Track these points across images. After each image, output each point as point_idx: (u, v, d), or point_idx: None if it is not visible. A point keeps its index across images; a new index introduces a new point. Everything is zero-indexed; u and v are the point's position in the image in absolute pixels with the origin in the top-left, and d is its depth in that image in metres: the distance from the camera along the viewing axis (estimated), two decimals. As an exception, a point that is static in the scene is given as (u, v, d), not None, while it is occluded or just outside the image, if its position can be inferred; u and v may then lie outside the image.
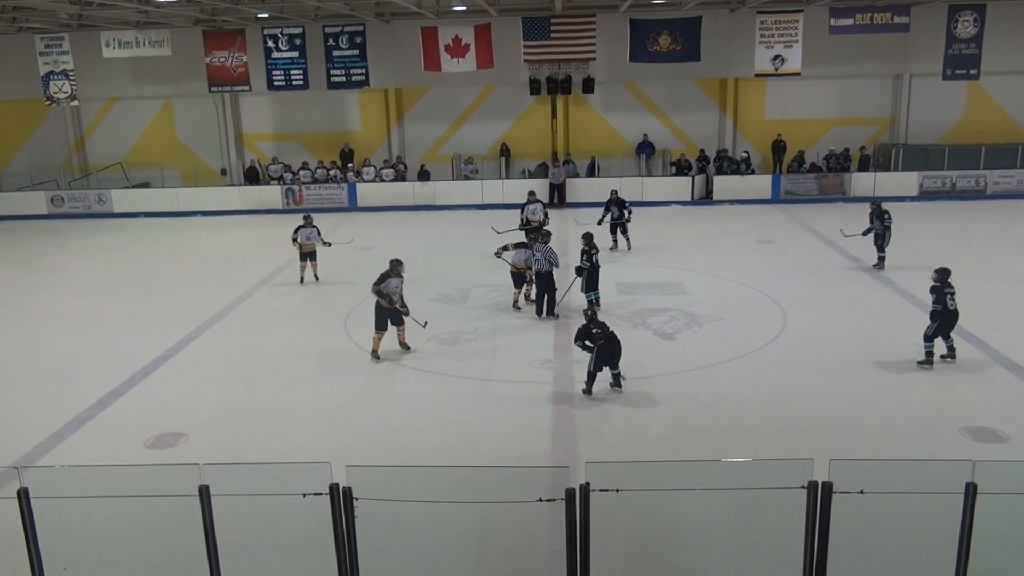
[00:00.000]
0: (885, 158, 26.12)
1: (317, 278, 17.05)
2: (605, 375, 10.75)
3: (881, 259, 16.55)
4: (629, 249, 18.77)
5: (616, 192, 19.17)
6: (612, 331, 10.63)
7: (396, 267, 12.42)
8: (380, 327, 12.25)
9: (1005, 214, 22.19)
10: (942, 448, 9.02)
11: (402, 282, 12.43)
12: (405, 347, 12.59)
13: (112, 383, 11.62)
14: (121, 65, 26.58)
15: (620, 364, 10.75)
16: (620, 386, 10.78)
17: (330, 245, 17.04)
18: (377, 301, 12.20)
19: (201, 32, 24.69)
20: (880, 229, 16.46)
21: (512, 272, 14.71)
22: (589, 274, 14.25)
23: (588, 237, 14.39)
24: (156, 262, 19.79)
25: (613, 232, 19.04)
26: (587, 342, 10.51)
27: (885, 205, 16.76)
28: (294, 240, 16.70)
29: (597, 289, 14.39)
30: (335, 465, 5.98)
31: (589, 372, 10.61)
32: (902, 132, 26.55)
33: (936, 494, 5.94)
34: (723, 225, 21.94)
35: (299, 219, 17.04)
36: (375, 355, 12.25)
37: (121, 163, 27.97)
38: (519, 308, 14.68)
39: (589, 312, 10.90)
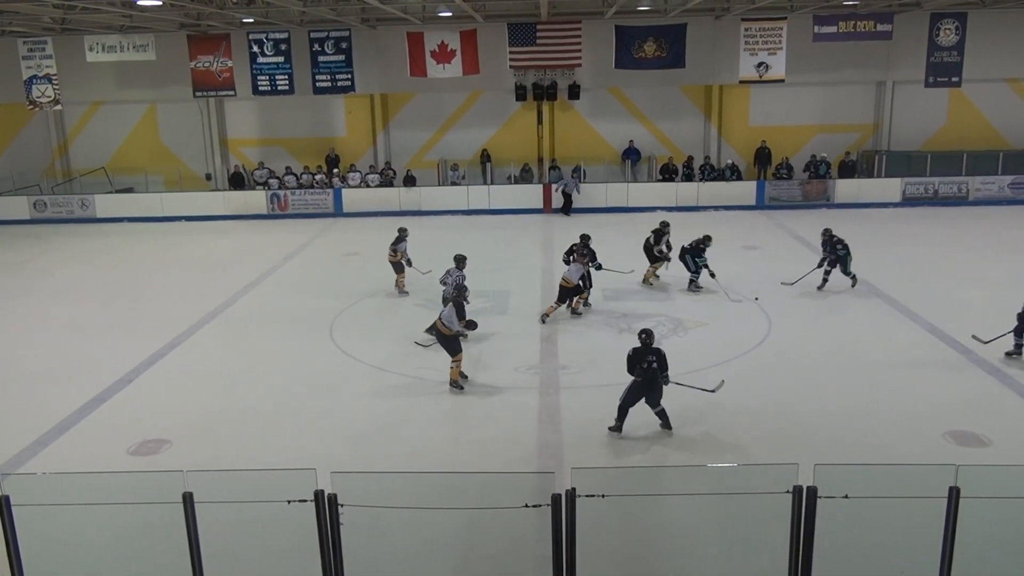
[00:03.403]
0: (868, 164, 26.32)
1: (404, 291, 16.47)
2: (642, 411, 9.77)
3: (853, 279, 15.70)
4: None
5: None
6: (659, 371, 9.57)
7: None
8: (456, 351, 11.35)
9: (986, 220, 22.39)
10: (926, 452, 9.09)
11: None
12: (457, 385, 11.31)
13: (95, 389, 11.53)
14: (105, 69, 26.43)
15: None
16: (669, 426, 9.82)
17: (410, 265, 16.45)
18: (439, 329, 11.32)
19: (186, 36, 24.59)
20: (833, 259, 15.60)
21: (561, 286, 14.21)
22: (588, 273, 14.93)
23: (585, 239, 15.48)
24: (140, 267, 19.67)
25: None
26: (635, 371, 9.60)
27: (838, 234, 15.80)
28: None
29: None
30: (320, 472, 5.96)
31: (620, 406, 9.71)
32: (885, 139, 26.76)
33: (920, 498, 5.98)
34: (708, 231, 21.95)
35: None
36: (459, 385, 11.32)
37: (105, 168, 27.77)
38: (544, 322, 14.13)
39: (644, 336, 9.73)
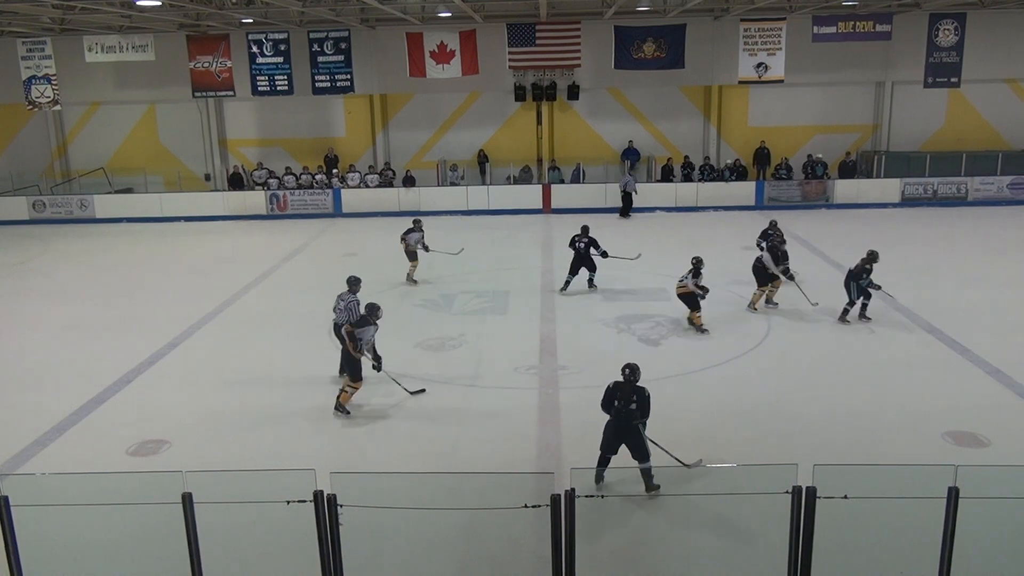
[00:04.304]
0: (867, 165, 26.33)
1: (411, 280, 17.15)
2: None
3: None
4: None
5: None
6: (633, 414, 8.12)
7: (374, 312, 10.67)
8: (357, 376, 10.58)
9: (986, 220, 22.40)
10: (925, 453, 9.08)
11: (377, 331, 10.72)
12: (343, 410, 10.52)
13: (94, 390, 11.53)
14: (104, 70, 26.43)
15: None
16: (653, 487, 8.22)
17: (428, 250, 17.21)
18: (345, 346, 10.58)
19: (185, 37, 24.58)
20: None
21: (681, 295, 13.66)
22: (582, 259, 15.84)
23: (585, 229, 15.98)
24: (139, 268, 19.66)
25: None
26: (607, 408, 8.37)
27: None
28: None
29: (575, 273, 15.92)
30: (319, 472, 5.96)
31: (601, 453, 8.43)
32: (884, 139, 26.77)
33: (919, 499, 5.98)
34: (707, 231, 22.03)
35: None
36: (345, 410, 10.57)
37: (104, 168, 27.77)
38: (706, 331, 13.50)
39: (627, 372, 8.32)
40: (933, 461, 8.32)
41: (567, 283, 15.96)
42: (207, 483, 6.12)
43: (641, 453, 8.15)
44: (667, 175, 25.88)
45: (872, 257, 13.75)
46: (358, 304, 11.51)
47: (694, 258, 13.64)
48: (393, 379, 11.02)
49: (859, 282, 13.65)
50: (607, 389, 8.33)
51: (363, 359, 10.59)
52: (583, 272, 16.03)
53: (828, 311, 14.39)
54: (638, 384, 8.25)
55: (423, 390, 11.18)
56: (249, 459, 9.25)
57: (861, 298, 13.75)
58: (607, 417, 8.33)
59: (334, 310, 11.80)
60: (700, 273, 13.44)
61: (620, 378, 8.30)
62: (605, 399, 8.33)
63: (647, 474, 8.17)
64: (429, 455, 9.37)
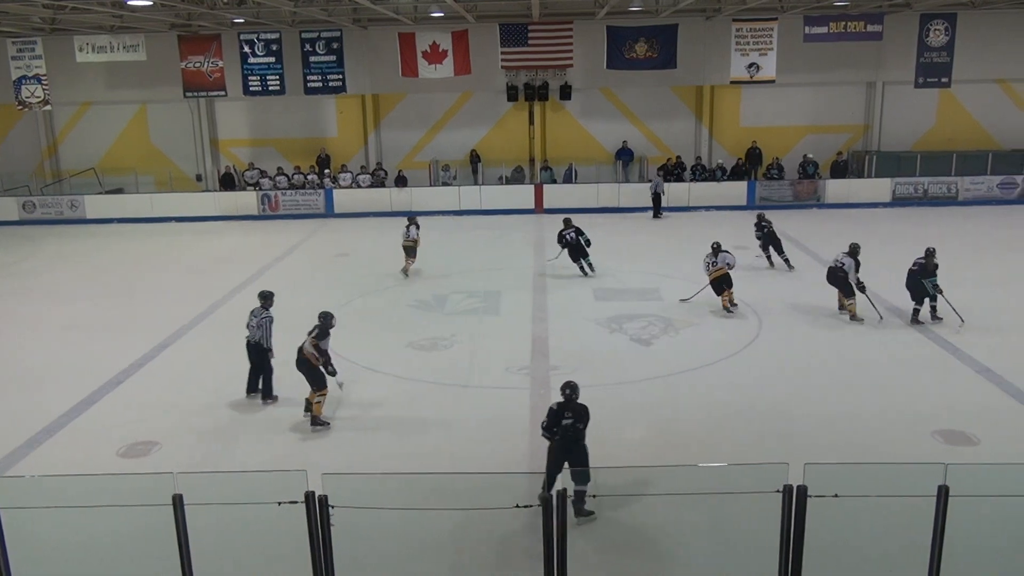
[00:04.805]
0: (859, 165, 26.42)
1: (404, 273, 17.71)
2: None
3: (787, 262, 17.57)
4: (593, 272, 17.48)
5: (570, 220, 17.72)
6: (579, 432, 7.95)
7: (330, 321, 10.50)
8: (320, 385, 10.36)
9: (976, 220, 22.49)
10: (914, 452, 9.12)
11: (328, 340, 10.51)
12: (321, 423, 10.28)
13: (84, 391, 11.48)
14: (95, 70, 26.33)
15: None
16: (585, 513, 7.84)
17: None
18: (307, 357, 10.31)
19: (176, 37, 24.51)
20: (765, 242, 17.60)
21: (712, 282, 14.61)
22: (573, 249, 17.01)
23: (564, 222, 17.23)
24: (129, 268, 19.59)
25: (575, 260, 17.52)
26: (553, 430, 8.01)
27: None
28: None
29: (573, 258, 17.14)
30: (311, 473, 5.95)
31: (546, 475, 8.01)
32: (875, 139, 26.87)
33: (909, 497, 6.01)
34: (698, 231, 22.03)
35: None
36: (322, 422, 10.29)
37: (94, 168, 27.65)
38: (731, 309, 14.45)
39: (568, 392, 8.06)
40: (923, 460, 8.35)
41: (559, 255, 17.37)
42: (198, 484, 6.11)
43: (585, 472, 7.89)
44: (666, 175, 25.82)
45: (933, 252, 13.51)
46: (271, 321, 10.98)
47: (714, 243, 14.87)
48: (338, 383, 10.59)
49: (932, 279, 13.39)
50: (551, 411, 8.03)
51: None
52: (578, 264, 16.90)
53: (818, 310, 14.43)
54: (579, 401, 8.07)
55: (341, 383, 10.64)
56: (240, 460, 9.23)
57: (931, 298, 13.48)
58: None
59: (247, 327, 11.14)
60: (720, 252, 14.67)
61: (565, 399, 8.02)
62: (551, 421, 7.99)
63: (582, 498, 7.82)
64: (420, 456, 9.36)
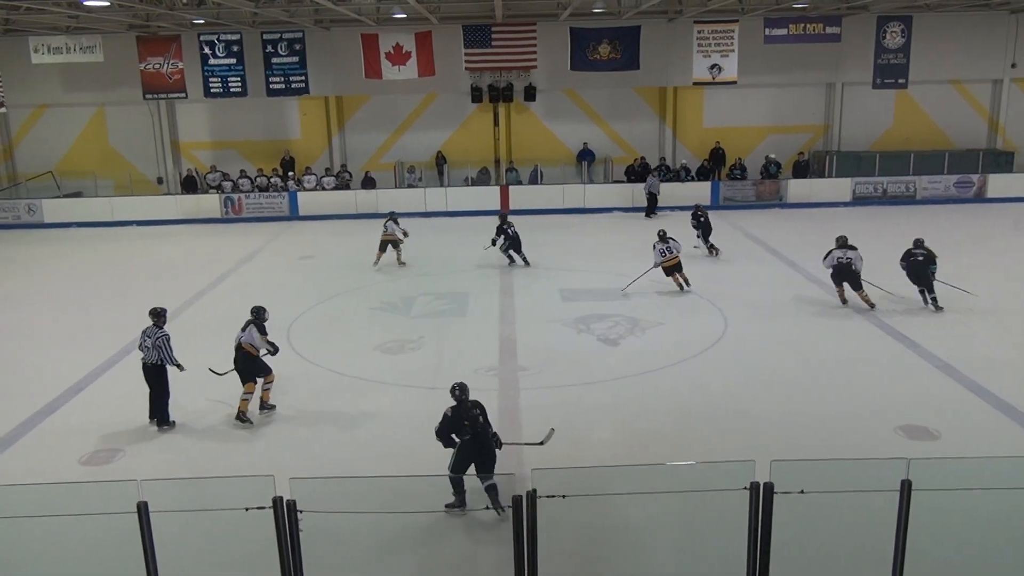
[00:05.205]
0: (819, 165, 26.81)
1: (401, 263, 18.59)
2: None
3: (711, 248, 18.94)
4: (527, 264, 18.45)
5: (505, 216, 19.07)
6: (487, 426, 8.12)
7: (263, 315, 10.79)
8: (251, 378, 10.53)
9: (933, 218, 22.90)
10: (878, 447, 9.27)
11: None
12: (268, 407, 10.69)
13: (44, 399, 11.27)
14: (51, 71, 25.86)
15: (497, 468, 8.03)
16: (500, 507, 7.69)
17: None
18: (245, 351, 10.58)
19: (135, 38, 24.16)
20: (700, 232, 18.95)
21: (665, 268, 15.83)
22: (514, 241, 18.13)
23: (503, 217, 18.56)
24: (90, 273, 19.26)
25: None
26: (452, 436, 7.99)
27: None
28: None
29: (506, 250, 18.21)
30: (278, 478, 5.90)
31: (451, 479, 7.90)
32: (835, 139, 27.29)
33: (873, 492, 6.11)
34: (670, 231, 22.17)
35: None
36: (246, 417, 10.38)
37: (52, 172, 27.14)
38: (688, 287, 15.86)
39: (458, 392, 8.17)
40: (886, 454, 8.48)
41: (493, 243, 18.33)
42: (163, 491, 6.03)
43: (491, 468, 7.97)
44: (631, 176, 25.94)
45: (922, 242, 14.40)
46: (168, 339, 10.43)
47: (660, 231, 16.17)
48: (219, 373, 10.86)
49: (934, 267, 14.23)
50: (447, 417, 7.99)
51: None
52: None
53: (783, 309, 14.62)
54: (472, 399, 8.14)
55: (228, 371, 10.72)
56: (205, 467, 9.12)
57: (930, 288, 14.22)
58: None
59: (140, 348, 10.52)
60: (669, 239, 15.97)
61: (458, 401, 8.11)
62: (449, 426, 7.96)
63: (495, 491, 7.80)
64: (389, 458, 9.31)
